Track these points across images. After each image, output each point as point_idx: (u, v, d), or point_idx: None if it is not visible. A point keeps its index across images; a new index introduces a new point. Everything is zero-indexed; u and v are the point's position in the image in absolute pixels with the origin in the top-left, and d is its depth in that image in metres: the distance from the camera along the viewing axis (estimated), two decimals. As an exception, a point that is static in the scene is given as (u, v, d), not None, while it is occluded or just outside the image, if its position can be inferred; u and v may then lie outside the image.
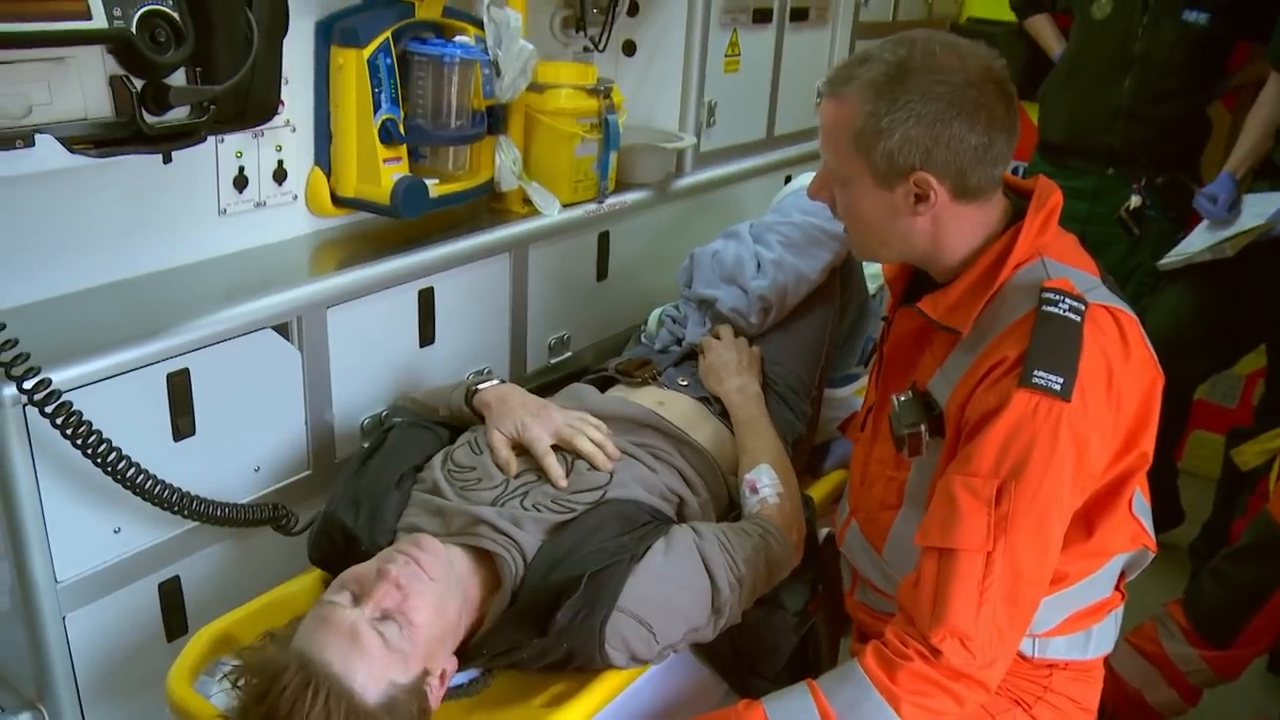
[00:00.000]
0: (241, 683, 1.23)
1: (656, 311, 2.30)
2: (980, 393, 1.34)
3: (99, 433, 1.41)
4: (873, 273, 2.28)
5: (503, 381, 1.78)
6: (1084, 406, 1.29)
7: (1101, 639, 1.56)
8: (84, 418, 1.39)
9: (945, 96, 1.32)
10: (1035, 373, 1.28)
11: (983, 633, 1.30)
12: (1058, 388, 1.28)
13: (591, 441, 1.66)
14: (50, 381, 1.35)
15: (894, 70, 1.34)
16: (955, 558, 1.31)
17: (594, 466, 1.63)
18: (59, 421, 1.36)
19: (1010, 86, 1.37)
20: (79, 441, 1.39)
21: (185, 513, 1.56)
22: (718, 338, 2.05)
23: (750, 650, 1.69)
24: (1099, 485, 1.40)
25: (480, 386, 1.75)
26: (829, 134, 1.42)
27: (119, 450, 1.44)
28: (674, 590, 1.48)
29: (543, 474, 1.62)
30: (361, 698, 1.22)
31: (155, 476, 1.50)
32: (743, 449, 1.83)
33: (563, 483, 1.60)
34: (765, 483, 1.71)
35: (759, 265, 2.08)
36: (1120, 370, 1.33)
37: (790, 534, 1.67)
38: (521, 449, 1.65)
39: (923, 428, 1.42)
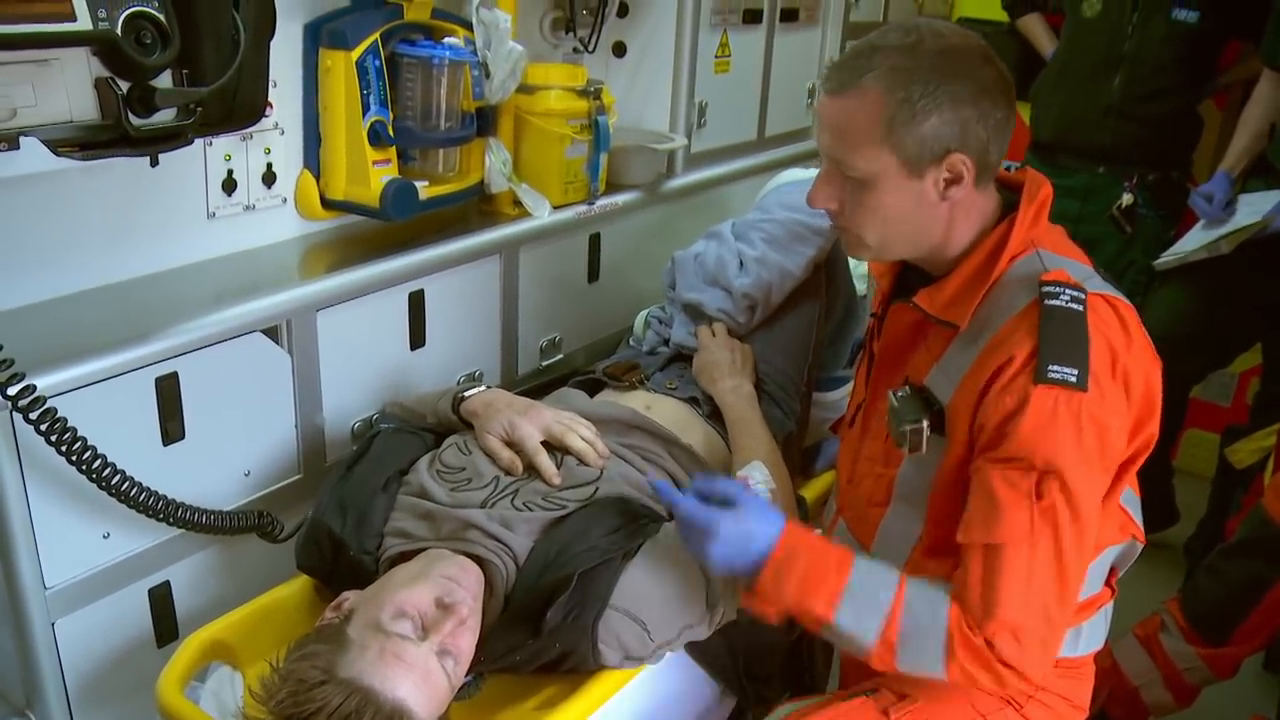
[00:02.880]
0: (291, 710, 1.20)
1: (643, 314, 2.30)
2: (994, 396, 1.33)
3: (84, 439, 1.40)
4: (861, 273, 2.27)
5: (489, 387, 1.77)
6: (1100, 394, 1.31)
7: (1092, 635, 1.56)
8: (69, 424, 1.38)
9: (970, 75, 1.33)
10: (1050, 367, 1.29)
11: (1033, 622, 1.31)
12: (1074, 379, 1.29)
13: (582, 439, 1.66)
14: (35, 388, 1.35)
15: (914, 54, 1.33)
16: (1001, 552, 1.31)
17: (584, 463, 1.63)
18: (43, 428, 1.36)
19: (1001, 64, 1.39)
20: (63, 448, 1.38)
21: (170, 519, 1.55)
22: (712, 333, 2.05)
23: (744, 649, 1.68)
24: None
25: (466, 394, 1.74)
26: (845, 133, 1.37)
27: (104, 457, 1.43)
28: (668, 587, 1.48)
29: (533, 471, 1.62)
30: None
31: (139, 483, 1.49)
32: (735, 447, 1.82)
33: (556, 480, 1.60)
34: (757, 478, 1.71)
35: (741, 263, 2.07)
36: (1124, 356, 1.34)
37: None
38: (513, 448, 1.65)
39: (924, 423, 1.42)
